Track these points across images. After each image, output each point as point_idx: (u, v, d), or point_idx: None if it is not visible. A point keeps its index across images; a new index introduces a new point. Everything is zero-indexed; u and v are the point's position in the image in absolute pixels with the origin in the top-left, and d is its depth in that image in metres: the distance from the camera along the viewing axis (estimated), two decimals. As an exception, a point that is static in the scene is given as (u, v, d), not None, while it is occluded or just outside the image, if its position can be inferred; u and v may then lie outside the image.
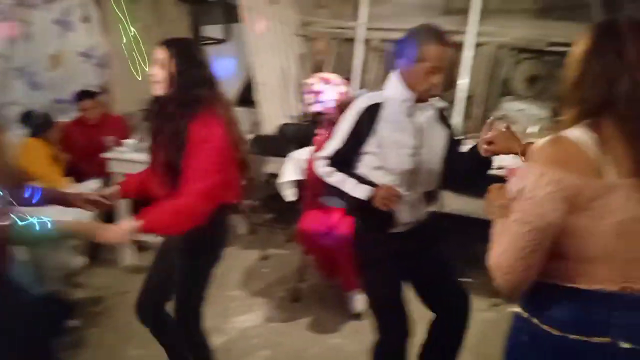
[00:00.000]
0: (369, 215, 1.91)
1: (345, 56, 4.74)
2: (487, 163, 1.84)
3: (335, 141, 1.98)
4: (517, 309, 1.21)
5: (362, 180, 1.93)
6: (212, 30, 4.93)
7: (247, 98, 4.73)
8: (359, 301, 3.00)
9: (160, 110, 1.91)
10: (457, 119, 4.12)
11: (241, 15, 4.36)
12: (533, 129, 3.55)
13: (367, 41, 4.52)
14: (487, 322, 2.92)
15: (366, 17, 4.46)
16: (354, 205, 1.97)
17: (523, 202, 1.08)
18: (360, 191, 1.88)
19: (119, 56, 4.07)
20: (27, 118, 3.55)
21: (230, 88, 4.89)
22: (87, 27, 4.22)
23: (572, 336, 1.09)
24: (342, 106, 3.17)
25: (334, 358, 2.67)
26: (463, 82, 4.12)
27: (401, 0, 4.49)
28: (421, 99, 1.88)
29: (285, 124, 4.36)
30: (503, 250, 1.10)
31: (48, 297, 2.77)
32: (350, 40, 4.63)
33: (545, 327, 1.12)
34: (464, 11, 4.21)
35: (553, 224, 1.05)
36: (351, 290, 3.03)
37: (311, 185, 3.26)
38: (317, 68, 4.64)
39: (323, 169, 2.01)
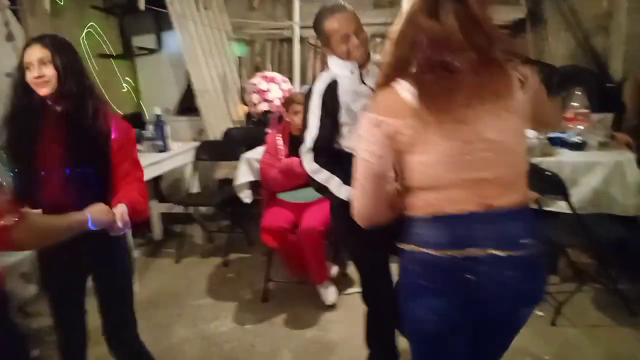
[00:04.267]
0: None
1: (282, 56, 4.78)
2: None
3: (311, 130, 2.06)
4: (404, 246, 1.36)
5: (347, 176, 1.83)
6: (144, 41, 4.80)
7: (188, 107, 4.65)
8: (331, 292, 3.03)
9: (53, 110, 1.76)
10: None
11: (172, 23, 4.29)
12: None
13: (303, 39, 4.57)
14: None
15: (299, 16, 4.50)
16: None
17: (359, 143, 1.30)
18: (344, 192, 1.98)
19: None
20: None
21: (170, 98, 4.83)
22: (11, 46, 3.98)
23: (449, 253, 1.26)
24: (287, 103, 3.20)
25: (313, 350, 2.67)
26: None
27: (332, -2, 4.58)
28: (361, 65, 2.00)
29: (231, 128, 4.33)
30: (355, 196, 1.34)
31: (3, 330, 2.59)
32: (286, 40, 4.67)
33: (430, 251, 1.28)
34: (392, 4, 4.37)
35: (382, 157, 1.27)
36: (322, 282, 3.05)
37: (268, 184, 3.26)
38: (256, 69, 4.64)
39: (310, 166, 2.07)
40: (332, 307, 3.01)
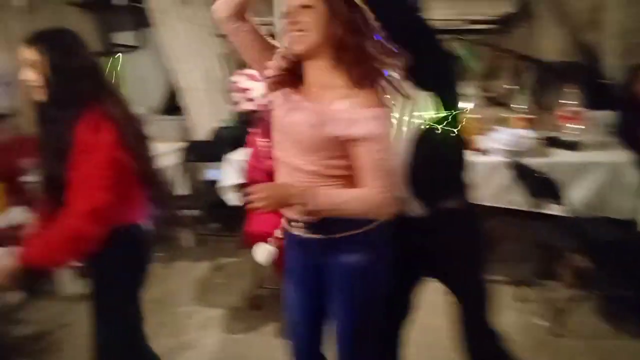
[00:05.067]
0: None
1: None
2: None
3: None
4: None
5: None
6: (124, 37, 4.64)
7: (173, 106, 4.52)
8: (324, 299, 2.95)
9: (42, 117, 1.66)
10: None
11: (152, 19, 4.15)
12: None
13: (288, 35, 4.45)
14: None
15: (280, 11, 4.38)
16: None
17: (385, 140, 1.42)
18: None
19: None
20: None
21: (154, 96, 4.68)
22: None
23: None
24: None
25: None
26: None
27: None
28: None
29: (219, 128, 4.22)
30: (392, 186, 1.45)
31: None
32: (271, 36, 4.54)
33: None
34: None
35: None
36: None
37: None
38: (242, 66, 4.51)
39: None
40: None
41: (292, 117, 1.46)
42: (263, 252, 1.69)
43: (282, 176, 1.56)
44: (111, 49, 4.66)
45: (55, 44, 1.62)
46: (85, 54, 1.68)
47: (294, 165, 1.49)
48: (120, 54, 4.64)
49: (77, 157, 1.54)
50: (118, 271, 1.75)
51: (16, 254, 1.50)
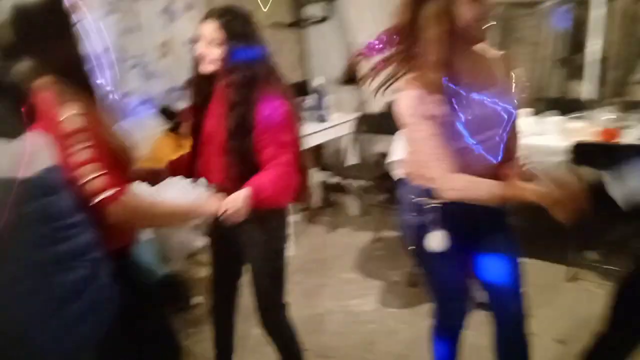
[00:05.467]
0: None
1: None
2: None
3: None
4: None
5: None
6: (314, 9, 4.82)
7: (352, 77, 4.59)
8: (485, 288, 2.78)
9: (213, 91, 1.76)
10: (588, 84, 3.70)
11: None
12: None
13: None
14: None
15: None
16: None
17: None
18: None
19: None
20: (166, 113, 3.63)
21: (334, 67, 4.80)
22: (190, 16, 4.25)
23: None
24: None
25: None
26: (594, 43, 3.67)
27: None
28: None
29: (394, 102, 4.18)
30: None
31: (171, 276, 2.84)
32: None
33: None
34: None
35: None
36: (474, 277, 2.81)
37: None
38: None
39: None
40: (483, 305, 2.76)
41: (494, 110, 1.53)
42: (437, 239, 1.61)
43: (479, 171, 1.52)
44: (301, 21, 4.89)
45: (235, 24, 1.68)
46: (259, 39, 1.75)
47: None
48: (308, 26, 4.84)
49: (265, 123, 1.69)
50: (281, 234, 1.92)
51: (248, 193, 1.66)
